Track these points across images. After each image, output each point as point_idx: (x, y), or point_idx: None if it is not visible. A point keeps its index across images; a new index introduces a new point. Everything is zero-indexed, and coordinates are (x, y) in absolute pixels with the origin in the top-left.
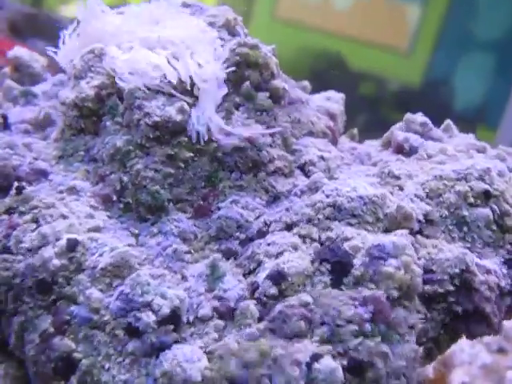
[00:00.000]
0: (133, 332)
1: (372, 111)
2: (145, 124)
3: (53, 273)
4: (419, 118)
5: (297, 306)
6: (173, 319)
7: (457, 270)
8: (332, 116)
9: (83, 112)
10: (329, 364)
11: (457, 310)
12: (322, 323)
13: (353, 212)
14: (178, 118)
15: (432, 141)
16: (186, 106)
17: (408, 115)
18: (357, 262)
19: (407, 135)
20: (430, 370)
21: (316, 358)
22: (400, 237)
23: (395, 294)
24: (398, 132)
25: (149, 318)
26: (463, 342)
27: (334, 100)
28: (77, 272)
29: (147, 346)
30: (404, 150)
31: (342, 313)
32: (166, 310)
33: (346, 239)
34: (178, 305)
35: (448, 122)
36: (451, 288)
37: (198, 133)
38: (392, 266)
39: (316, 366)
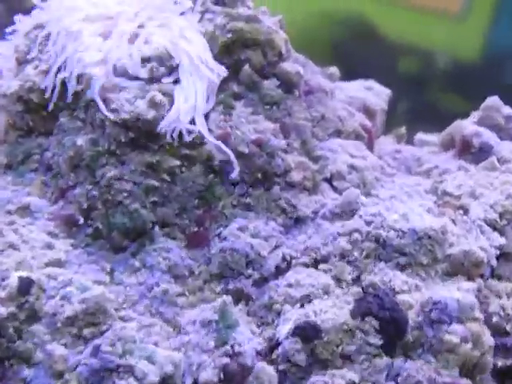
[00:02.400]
0: None
1: (415, 95)
2: (112, 124)
3: None
4: (506, 108)
5: None
6: None
7: None
8: (369, 112)
9: (30, 106)
10: None
11: None
12: None
13: (402, 250)
14: (150, 114)
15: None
16: (160, 97)
17: (491, 100)
18: (410, 322)
19: (479, 130)
20: None
21: None
22: (466, 293)
23: (456, 372)
24: (465, 123)
25: None
26: None
27: (374, 92)
28: (31, 321)
29: None
30: (472, 149)
31: None
32: (153, 379)
33: (396, 291)
34: (171, 372)
35: None
36: None
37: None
38: (457, 335)
39: None
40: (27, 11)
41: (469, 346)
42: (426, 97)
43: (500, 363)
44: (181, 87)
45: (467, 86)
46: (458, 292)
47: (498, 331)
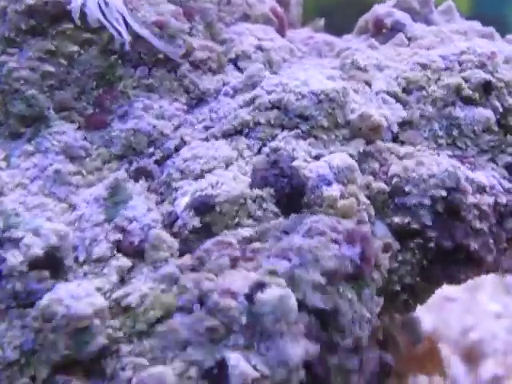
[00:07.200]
0: None
1: None
2: (14, 12)
3: None
4: None
5: (234, 243)
6: (50, 262)
7: (443, 192)
8: (283, 1)
9: None
10: (276, 292)
11: (431, 247)
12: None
13: (302, 113)
14: None
15: (425, 24)
16: None
17: None
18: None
19: (393, 10)
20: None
21: (259, 287)
22: (344, 159)
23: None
24: (380, 6)
25: (16, 258)
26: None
27: None
28: None
29: (10, 295)
30: (384, 28)
31: (317, 251)
32: (36, 251)
33: (294, 157)
34: (56, 243)
35: (449, 2)
36: (428, 218)
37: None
38: (334, 191)
39: (260, 296)
40: None
41: (344, 201)
42: None
43: (398, 222)
44: None
45: None
46: (336, 158)
47: (397, 192)
